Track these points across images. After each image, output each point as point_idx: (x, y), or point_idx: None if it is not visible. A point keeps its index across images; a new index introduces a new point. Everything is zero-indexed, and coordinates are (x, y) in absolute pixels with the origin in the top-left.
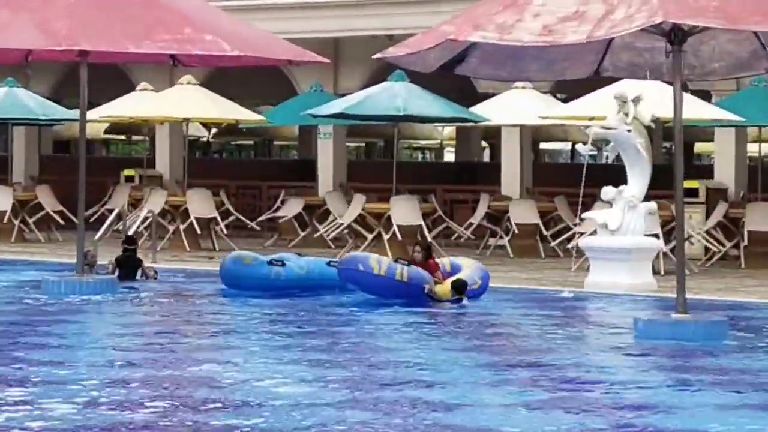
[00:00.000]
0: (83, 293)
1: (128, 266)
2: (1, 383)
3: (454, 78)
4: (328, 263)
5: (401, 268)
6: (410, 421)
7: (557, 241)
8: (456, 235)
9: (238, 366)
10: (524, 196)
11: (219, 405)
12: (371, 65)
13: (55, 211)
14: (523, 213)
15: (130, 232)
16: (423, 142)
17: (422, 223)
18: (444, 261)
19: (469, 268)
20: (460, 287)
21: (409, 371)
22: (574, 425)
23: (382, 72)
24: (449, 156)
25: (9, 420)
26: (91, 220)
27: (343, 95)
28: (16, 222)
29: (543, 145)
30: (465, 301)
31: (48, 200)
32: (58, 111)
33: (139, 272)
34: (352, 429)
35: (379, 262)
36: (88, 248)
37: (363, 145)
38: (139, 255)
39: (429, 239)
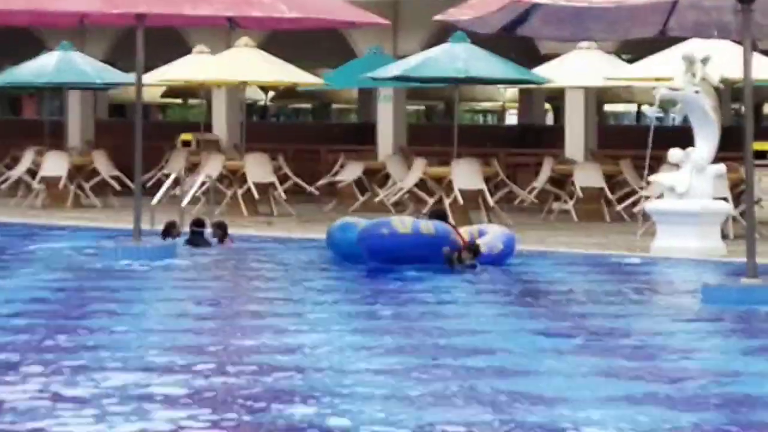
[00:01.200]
0: (141, 259)
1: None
2: (58, 351)
3: (516, 38)
4: None
5: (425, 222)
6: (472, 388)
7: (623, 206)
8: (519, 199)
9: (298, 333)
10: (589, 160)
11: (279, 372)
12: (431, 27)
13: (111, 177)
14: (588, 176)
15: (188, 198)
16: (484, 105)
17: (484, 187)
18: (473, 229)
19: (492, 233)
20: (470, 249)
21: (469, 339)
22: (640, 392)
23: (442, 33)
24: (511, 119)
25: (68, 387)
26: (148, 185)
27: (403, 57)
28: (72, 187)
29: (608, 107)
30: (477, 268)
31: (104, 165)
32: (113, 75)
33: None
34: (414, 400)
35: (402, 221)
36: (174, 218)
37: (423, 108)
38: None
39: (491, 203)
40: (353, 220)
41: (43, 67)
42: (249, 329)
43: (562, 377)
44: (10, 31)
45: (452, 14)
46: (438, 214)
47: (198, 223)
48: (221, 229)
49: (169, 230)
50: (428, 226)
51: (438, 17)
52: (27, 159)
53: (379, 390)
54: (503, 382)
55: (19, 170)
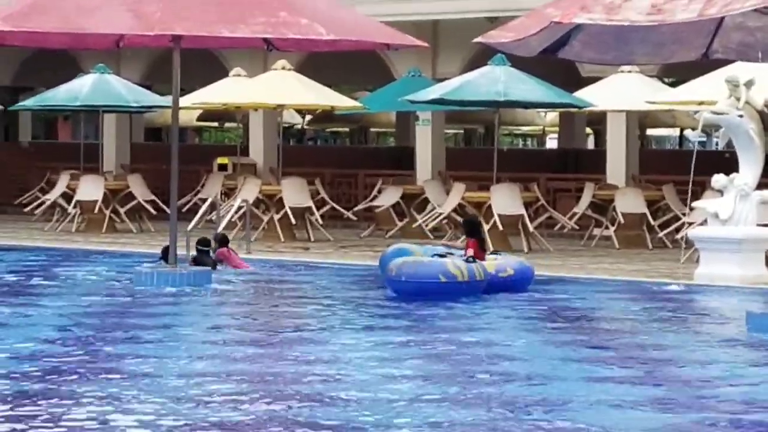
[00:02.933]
0: (176, 284)
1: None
2: (92, 376)
3: (557, 61)
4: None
5: (475, 265)
6: (514, 417)
7: (665, 232)
8: (559, 225)
9: (334, 360)
10: (630, 185)
11: (316, 399)
12: (471, 49)
13: (146, 201)
14: (630, 202)
15: (224, 223)
16: (524, 129)
17: (524, 212)
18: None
19: (505, 257)
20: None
21: (510, 365)
22: (685, 421)
23: (482, 56)
24: (552, 143)
25: (99, 414)
26: (184, 209)
27: (442, 80)
28: (107, 212)
29: (650, 131)
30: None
31: (139, 189)
32: (149, 98)
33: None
34: (452, 427)
35: (458, 267)
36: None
37: (462, 131)
38: (233, 246)
39: (531, 228)
40: (407, 245)
41: (78, 90)
42: (285, 357)
43: (605, 406)
44: (45, 53)
45: (492, 36)
46: (471, 222)
47: (203, 243)
48: (221, 243)
49: (166, 255)
50: (480, 270)
51: (478, 40)
52: (62, 183)
53: (418, 419)
54: (546, 411)
55: (54, 194)
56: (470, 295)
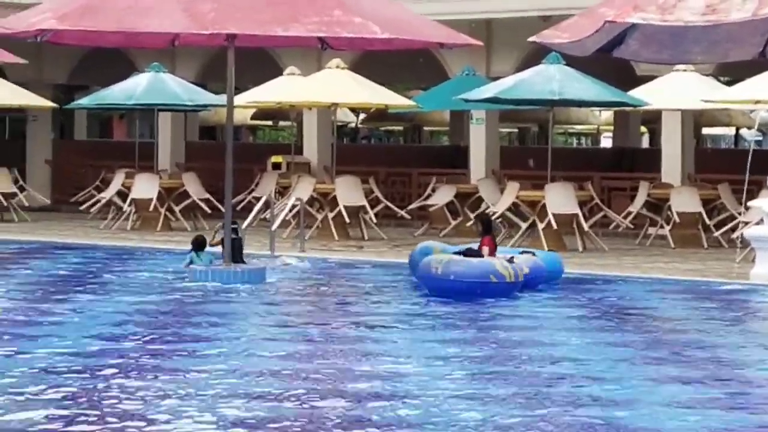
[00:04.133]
0: (231, 282)
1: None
2: (149, 375)
3: (611, 60)
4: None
5: (517, 266)
6: (575, 419)
7: (721, 231)
8: (614, 224)
9: (391, 359)
10: (686, 184)
11: (374, 398)
12: (525, 48)
13: (201, 199)
14: (685, 201)
15: (278, 221)
16: (579, 128)
17: (578, 211)
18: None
19: (524, 257)
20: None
21: (567, 365)
22: (748, 424)
23: (536, 54)
24: (606, 142)
25: (160, 412)
26: (238, 208)
27: (496, 79)
28: (162, 210)
29: (705, 130)
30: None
31: (194, 188)
32: (204, 96)
33: None
34: (515, 426)
35: (506, 267)
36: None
37: (516, 130)
38: (287, 245)
39: (586, 227)
40: (432, 244)
41: (133, 89)
42: (340, 354)
43: (663, 406)
44: (100, 51)
45: (547, 36)
46: (487, 220)
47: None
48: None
49: (197, 245)
50: (520, 271)
51: (532, 39)
52: (117, 181)
53: (475, 418)
54: (604, 411)
55: (110, 192)
56: (510, 294)
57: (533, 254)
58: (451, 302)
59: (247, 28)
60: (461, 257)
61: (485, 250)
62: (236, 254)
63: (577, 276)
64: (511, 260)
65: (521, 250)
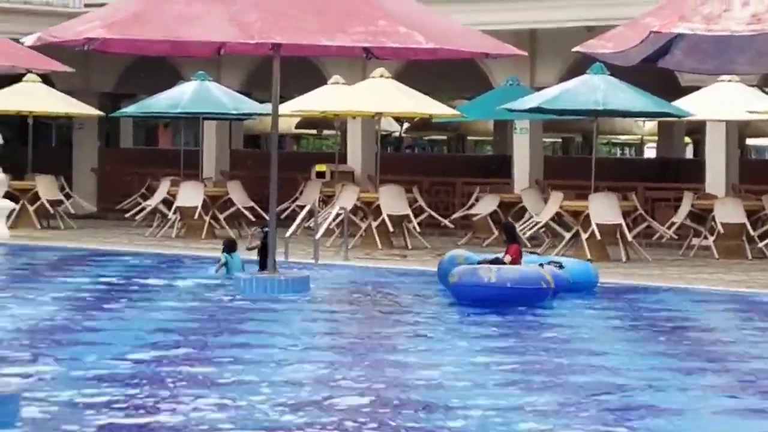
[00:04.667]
0: (275, 291)
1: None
2: (192, 383)
3: (655, 70)
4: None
5: (555, 270)
6: (615, 425)
7: (765, 242)
8: (657, 234)
9: (434, 368)
10: (730, 195)
11: (414, 407)
12: (569, 58)
13: (245, 207)
14: (729, 212)
15: (322, 230)
16: (623, 138)
17: (622, 221)
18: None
19: (547, 268)
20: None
21: (611, 375)
22: None
23: (580, 65)
24: (650, 152)
25: (204, 421)
26: (282, 216)
27: (540, 89)
28: (207, 218)
29: (750, 141)
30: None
31: (239, 196)
32: (249, 105)
33: None
34: None
35: (550, 274)
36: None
37: (560, 140)
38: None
39: (629, 237)
40: (460, 252)
41: (179, 97)
42: (384, 363)
43: (708, 414)
44: (146, 60)
45: (592, 46)
46: (511, 228)
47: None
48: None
49: (228, 247)
50: (560, 277)
51: (577, 49)
52: (162, 189)
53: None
54: (647, 419)
55: (155, 200)
56: (549, 301)
57: (560, 265)
58: (495, 311)
59: (292, 37)
60: (509, 265)
61: (507, 258)
62: (263, 259)
63: (622, 286)
64: (560, 266)
65: (548, 259)
